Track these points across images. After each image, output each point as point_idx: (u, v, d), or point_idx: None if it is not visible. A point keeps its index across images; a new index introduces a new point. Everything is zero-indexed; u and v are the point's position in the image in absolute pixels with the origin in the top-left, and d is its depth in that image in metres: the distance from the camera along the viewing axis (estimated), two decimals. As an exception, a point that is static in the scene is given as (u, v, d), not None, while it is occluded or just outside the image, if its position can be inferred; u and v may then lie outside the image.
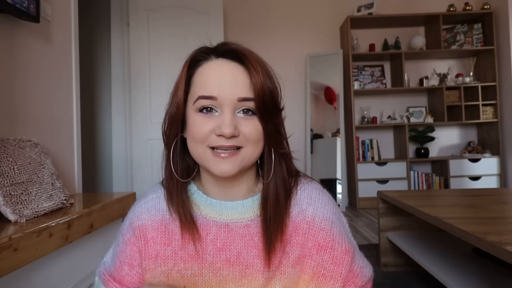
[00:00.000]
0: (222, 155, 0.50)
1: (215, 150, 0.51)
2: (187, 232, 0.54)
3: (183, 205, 0.55)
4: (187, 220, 0.54)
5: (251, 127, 0.51)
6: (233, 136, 0.49)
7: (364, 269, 0.55)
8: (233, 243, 0.53)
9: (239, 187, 0.57)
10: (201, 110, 0.51)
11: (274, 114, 0.52)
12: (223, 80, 0.50)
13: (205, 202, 0.57)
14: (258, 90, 0.50)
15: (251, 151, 0.52)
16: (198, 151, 0.52)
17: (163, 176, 0.58)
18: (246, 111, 0.51)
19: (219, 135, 0.50)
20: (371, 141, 3.76)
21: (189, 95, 0.53)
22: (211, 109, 0.51)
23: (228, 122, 0.49)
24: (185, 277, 0.52)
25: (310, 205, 0.55)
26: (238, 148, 0.51)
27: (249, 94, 0.50)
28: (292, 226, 0.53)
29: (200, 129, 0.51)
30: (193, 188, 0.59)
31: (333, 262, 0.52)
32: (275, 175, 0.54)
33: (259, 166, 0.57)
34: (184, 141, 0.56)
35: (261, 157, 0.55)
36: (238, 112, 0.51)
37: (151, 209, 0.57)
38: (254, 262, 0.52)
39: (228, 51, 0.52)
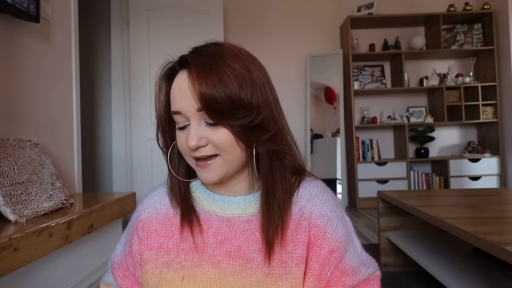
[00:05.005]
0: (201, 164, 0.52)
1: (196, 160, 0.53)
2: (188, 225, 0.55)
3: (184, 200, 0.57)
4: (188, 213, 0.56)
5: (219, 136, 0.50)
6: (201, 147, 0.51)
7: (359, 269, 0.54)
8: (234, 237, 0.54)
9: (240, 185, 0.58)
10: (178, 127, 0.54)
11: (239, 115, 0.49)
12: (181, 94, 0.50)
13: (208, 197, 0.58)
14: (199, 99, 0.48)
15: (228, 157, 0.51)
16: (187, 160, 0.55)
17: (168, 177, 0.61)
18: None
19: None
20: (371, 141, 3.76)
21: None
22: (185, 125, 0.53)
23: (192, 135, 0.50)
24: (185, 268, 0.53)
25: (308, 202, 0.55)
26: (216, 155, 0.52)
27: (199, 103, 0.49)
28: (293, 224, 0.53)
29: (179, 143, 0.54)
30: (197, 184, 0.61)
31: (316, 261, 0.52)
32: (266, 173, 0.53)
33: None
34: None
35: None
36: (204, 122, 0.51)
37: (157, 202, 0.60)
38: (254, 256, 0.52)
39: (183, 61, 0.52)
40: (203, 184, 0.60)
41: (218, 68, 0.49)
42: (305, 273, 0.52)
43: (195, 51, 0.53)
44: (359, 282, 0.53)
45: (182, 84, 0.50)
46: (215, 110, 0.48)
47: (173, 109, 0.52)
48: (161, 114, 0.56)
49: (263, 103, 0.52)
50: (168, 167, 0.59)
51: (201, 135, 0.50)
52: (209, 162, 0.52)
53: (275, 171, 0.54)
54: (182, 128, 0.53)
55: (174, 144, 0.58)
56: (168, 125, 0.57)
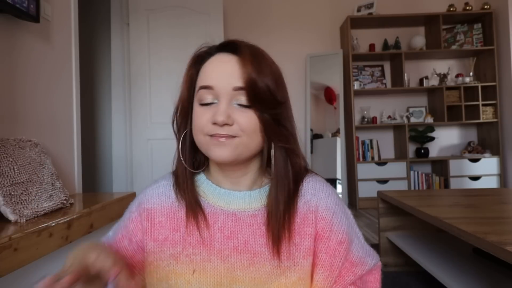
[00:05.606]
0: (219, 138, 0.52)
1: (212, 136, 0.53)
2: (193, 219, 0.56)
3: (189, 192, 0.57)
4: (193, 207, 0.56)
5: (247, 118, 0.52)
6: (226, 125, 0.51)
7: (366, 259, 0.57)
8: (241, 231, 0.55)
9: (245, 178, 0.59)
10: (202, 103, 0.54)
11: (270, 105, 0.53)
12: (221, 71, 0.53)
13: (213, 191, 0.59)
14: (246, 80, 0.51)
15: (247, 140, 0.53)
16: (199, 139, 0.55)
17: (174, 167, 0.61)
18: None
19: (214, 123, 0.52)
20: (371, 141, 3.76)
21: (196, 90, 0.56)
22: (212, 102, 0.53)
23: (222, 111, 0.51)
24: (194, 261, 0.54)
25: (314, 196, 0.57)
26: (234, 137, 0.53)
27: (243, 84, 0.52)
28: (300, 217, 0.55)
29: (199, 118, 0.54)
30: (202, 178, 0.61)
31: (326, 252, 0.54)
32: (278, 169, 0.55)
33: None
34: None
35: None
36: (234, 103, 0.53)
37: (161, 194, 0.60)
38: (262, 250, 0.54)
39: (227, 44, 0.55)
40: (208, 178, 0.61)
41: (262, 59, 0.54)
42: (314, 265, 0.54)
43: (230, 40, 0.57)
44: (367, 271, 0.57)
45: (227, 62, 0.53)
46: (254, 93, 0.51)
47: (204, 83, 0.53)
48: (184, 94, 0.57)
49: (286, 103, 0.57)
50: (178, 152, 0.59)
51: (230, 113, 0.52)
52: (228, 137, 0.52)
53: (287, 168, 0.56)
54: (206, 105, 0.53)
55: (185, 134, 0.59)
56: (188, 106, 0.57)
